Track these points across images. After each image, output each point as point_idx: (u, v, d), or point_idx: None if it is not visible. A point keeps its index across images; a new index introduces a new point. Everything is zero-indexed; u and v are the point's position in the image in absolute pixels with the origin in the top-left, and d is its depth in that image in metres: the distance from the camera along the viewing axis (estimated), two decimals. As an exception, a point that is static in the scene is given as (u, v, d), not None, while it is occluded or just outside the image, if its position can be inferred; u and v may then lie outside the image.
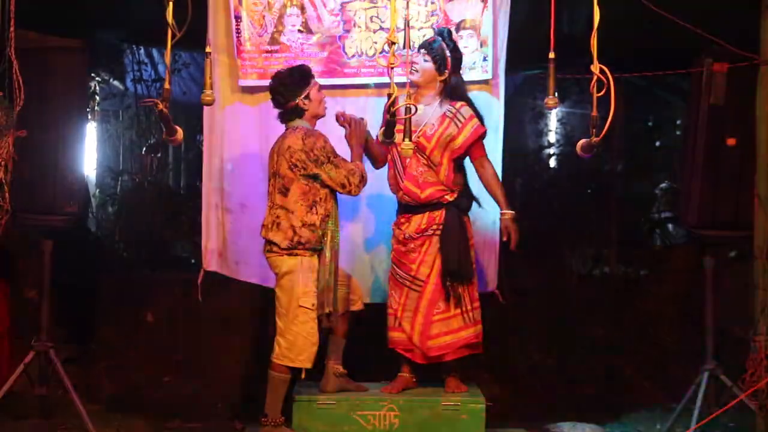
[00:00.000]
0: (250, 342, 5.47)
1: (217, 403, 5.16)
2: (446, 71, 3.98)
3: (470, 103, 4.03)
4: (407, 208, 4.04)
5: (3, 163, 3.69)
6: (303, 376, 3.85)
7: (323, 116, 3.93)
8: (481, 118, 4.02)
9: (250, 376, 5.37)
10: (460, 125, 3.96)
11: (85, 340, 5.55)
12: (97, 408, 4.82)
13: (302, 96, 3.84)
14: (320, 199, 3.83)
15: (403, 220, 4.05)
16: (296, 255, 3.81)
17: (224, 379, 5.39)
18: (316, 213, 3.81)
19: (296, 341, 3.80)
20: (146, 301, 5.86)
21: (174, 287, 5.87)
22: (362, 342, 4.73)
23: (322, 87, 3.98)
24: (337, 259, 3.88)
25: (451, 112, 3.98)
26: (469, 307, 4.02)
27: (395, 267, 4.08)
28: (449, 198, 4.00)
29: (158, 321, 5.77)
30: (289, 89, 3.84)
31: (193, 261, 6.69)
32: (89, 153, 6.92)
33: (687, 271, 6.14)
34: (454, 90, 4.02)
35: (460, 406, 3.92)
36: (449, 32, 4.06)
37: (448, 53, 3.96)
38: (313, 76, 3.91)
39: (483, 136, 4.01)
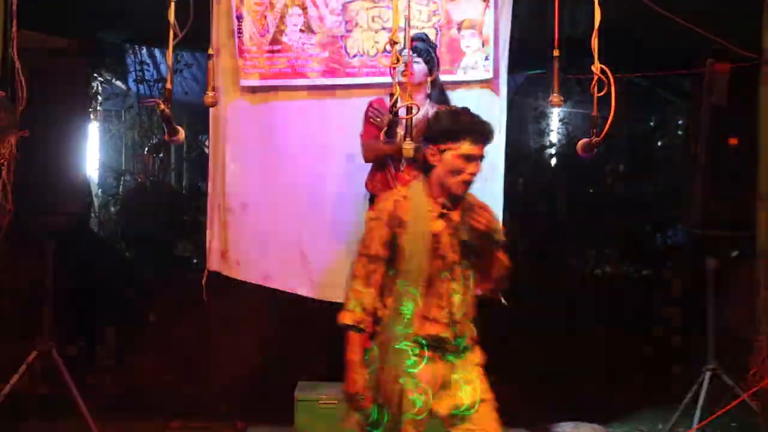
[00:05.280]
0: (252, 342, 5.48)
1: (219, 403, 5.16)
2: (436, 71, 4.03)
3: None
4: None
5: (6, 163, 3.70)
6: None
7: (456, 196, 2.73)
8: None
9: (252, 377, 5.38)
10: None
11: (88, 339, 5.56)
12: (100, 408, 4.82)
13: (438, 147, 2.71)
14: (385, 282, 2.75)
15: None
16: None
17: (226, 379, 5.39)
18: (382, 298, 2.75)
19: None
20: (148, 300, 5.88)
21: (176, 287, 5.89)
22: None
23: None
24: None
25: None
26: None
27: None
28: None
29: (160, 321, 5.79)
30: (430, 131, 2.78)
31: (195, 261, 6.72)
32: (91, 153, 6.94)
33: (689, 271, 6.15)
34: (441, 91, 4.05)
35: (462, 405, 3.91)
36: (426, 35, 4.10)
37: (434, 54, 4.01)
38: (464, 136, 2.68)
39: None
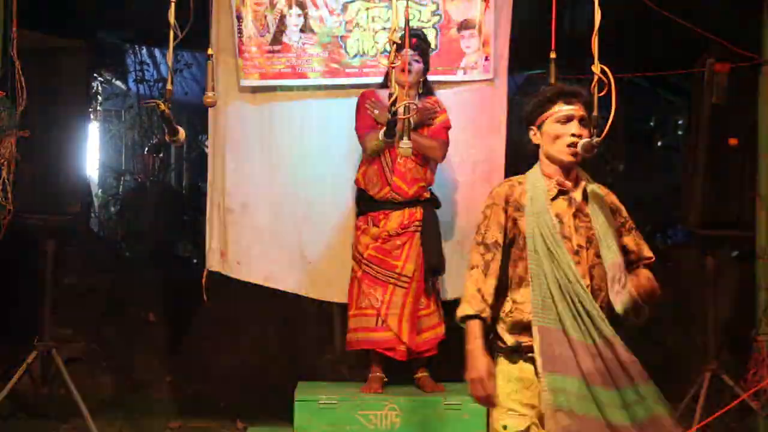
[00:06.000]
0: (252, 342, 5.48)
1: (220, 403, 5.17)
2: (428, 70, 4.08)
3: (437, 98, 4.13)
4: (384, 204, 4.04)
5: (6, 163, 3.70)
6: None
7: (567, 164, 2.60)
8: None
9: (252, 377, 5.39)
10: (437, 115, 4.05)
11: (88, 339, 5.56)
12: (100, 408, 4.83)
13: (536, 125, 2.63)
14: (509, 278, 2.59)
15: (381, 216, 4.05)
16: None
17: (226, 379, 5.40)
18: (507, 300, 2.59)
19: None
20: (148, 300, 5.88)
21: (176, 287, 5.89)
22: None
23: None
24: None
25: (429, 105, 4.06)
26: (440, 305, 4.11)
27: (372, 265, 4.02)
28: (427, 195, 4.05)
29: (160, 320, 5.79)
30: (524, 115, 2.70)
31: (195, 261, 6.73)
32: (92, 153, 6.95)
33: (689, 272, 6.15)
34: (428, 89, 4.10)
35: (462, 405, 3.91)
36: (422, 31, 4.12)
37: (428, 51, 4.06)
38: (554, 100, 2.59)
39: (448, 127, 4.06)
